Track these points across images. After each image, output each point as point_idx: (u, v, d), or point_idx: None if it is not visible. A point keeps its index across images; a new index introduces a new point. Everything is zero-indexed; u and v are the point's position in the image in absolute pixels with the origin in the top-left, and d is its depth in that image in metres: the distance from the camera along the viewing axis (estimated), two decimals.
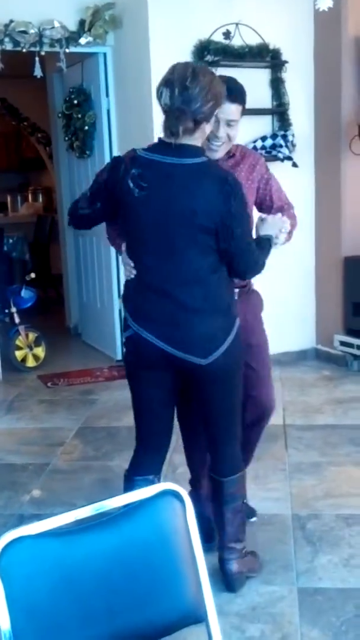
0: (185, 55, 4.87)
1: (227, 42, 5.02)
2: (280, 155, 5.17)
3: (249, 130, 4.96)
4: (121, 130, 5.56)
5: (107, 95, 5.61)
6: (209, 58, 4.97)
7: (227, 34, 5.03)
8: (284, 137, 5.23)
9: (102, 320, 6.14)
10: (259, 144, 5.19)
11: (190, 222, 2.37)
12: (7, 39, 5.04)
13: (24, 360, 5.76)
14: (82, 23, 5.25)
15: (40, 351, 5.85)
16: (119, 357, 5.87)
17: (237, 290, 2.74)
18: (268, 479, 3.57)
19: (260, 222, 2.71)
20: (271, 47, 5.17)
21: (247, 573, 2.76)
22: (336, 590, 2.72)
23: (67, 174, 6.65)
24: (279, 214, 2.75)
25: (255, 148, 5.07)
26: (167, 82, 2.34)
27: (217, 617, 1.57)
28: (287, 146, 5.21)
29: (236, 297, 2.68)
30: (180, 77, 2.32)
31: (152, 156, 2.41)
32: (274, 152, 5.18)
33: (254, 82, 5.02)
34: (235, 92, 2.67)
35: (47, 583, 1.46)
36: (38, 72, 5.20)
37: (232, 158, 2.85)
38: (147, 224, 2.42)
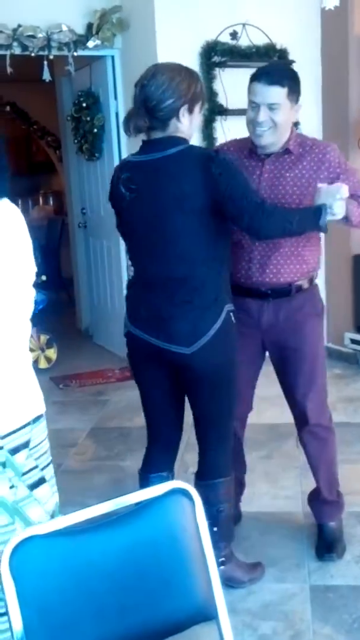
0: (192, 56, 4.89)
1: (234, 42, 5.04)
2: None
3: None
4: None
5: (116, 97, 5.63)
6: (216, 59, 4.99)
7: (234, 35, 5.04)
8: None
9: (112, 322, 6.15)
10: None
11: (180, 208, 2.36)
12: (15, 44, 5.06)
13: (36, 362, 5.78)
14: (89, 26, 5.27)
15: (52, 353, 5.88)
16: None
17: (297, 284, 2.77)
18: (280, 477, 3.58)
19: (317, 193, 2.47)
20: (278, 46, 5.18)
21: (225, 581, 2.52)
22: (348, 587, 2.73)
23: (76, 177, 6.67)
24: (339, 183, 2.46)
25: None
26: (135, 83, 2.43)
27: (228, 614, 1.58)
28: None
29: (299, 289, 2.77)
30: (141, 78, 2.40)
31: (138, 157, 2.46)
32: None
33: None
34: (269, 74, 2.60)
35: (58, 582, 1.48)
36: (47, 76, 5.22)
37: (289, 154, 2.69)
38: (139, 222, 2.47)
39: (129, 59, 5.42)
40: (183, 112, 2.38)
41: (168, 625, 1.54)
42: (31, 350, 5.71)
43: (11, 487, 1.85)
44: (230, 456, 2.68)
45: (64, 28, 5.16)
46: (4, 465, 1.83)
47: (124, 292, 5.72)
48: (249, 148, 2.76)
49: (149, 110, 2.36)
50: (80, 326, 7.06)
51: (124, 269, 5.82)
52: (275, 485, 3.53)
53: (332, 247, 5.61)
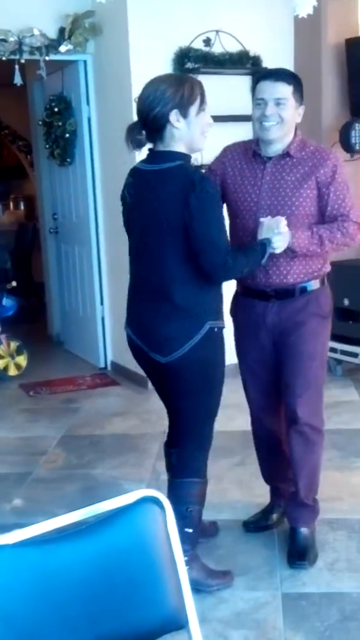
0: (165, 62, 4.88)
1: (207, 49, 5.03)
2: None
3: (229, 137, 4.95)
4: (102, 137, 5.56)
5: (88, 102, 5.60)
6: (189, 65, 4.97)
7: (207, 41, 5.04)
8: None
9: (84, 328, 6.11)
10: None
11: (161, 226, 2.46)
12: None
13: (5, 369, 5.72)
14: (62, 31, 5.24)
15: (22, 360, 5.81)
16: (102, 364, 5.86)
17: (303, 285, 2.78)
18: (253, 484, 3.56)
19: (260, 227, 2.63)
20: (251, 54, 5.18)
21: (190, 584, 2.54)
22: (320, 595, 2.72)
23: (48, 182, 6.63)
24: (278, 217, 2.62)
25: None
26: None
27: (199, 623, 1.56)
28: None
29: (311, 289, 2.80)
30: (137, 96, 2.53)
31: (142, 166, 2.58)
32: None
33: (235, 88, 5.03)
34: (276, 73, 2.73)
35: (26, 592, 1.45)
36: (18, 80, 5.18)
37: (290, 158, 2.75)
38: (134, 227, 2.61)
39: (101, 64, 5.40)
40: (175, 117, 2.44)
41: (138, 634, 1.52)
42: (1, 357, 5.69)
43: None
44: (205, 459, 2.73)
45: (36, 32, 5.12)
46: None
47: (98, 298, 5.77)
48: (253, 150, 2.83)
49: (143, 122, 2.49)
50: (51, 333, 7.00)
51: (96, 276, 5.79)
52: (248, 493, 3.51)
53: None
